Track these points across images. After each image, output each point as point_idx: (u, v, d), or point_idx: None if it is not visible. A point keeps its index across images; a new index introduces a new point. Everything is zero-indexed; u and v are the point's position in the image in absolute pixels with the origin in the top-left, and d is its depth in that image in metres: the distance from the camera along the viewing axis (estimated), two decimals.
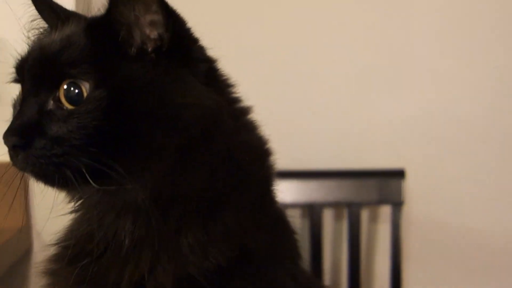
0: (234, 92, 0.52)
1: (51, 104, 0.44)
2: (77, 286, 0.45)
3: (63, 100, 0.43)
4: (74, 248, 0.48)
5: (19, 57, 0.48)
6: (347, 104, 1.15)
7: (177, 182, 0.45)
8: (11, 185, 0.86)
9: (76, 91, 0.43)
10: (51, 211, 0.89)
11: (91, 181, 0.42)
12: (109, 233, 0.45)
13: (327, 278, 1.17)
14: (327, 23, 1.13)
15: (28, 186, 0.87)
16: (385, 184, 1.09)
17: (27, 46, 0.50)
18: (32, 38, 0.53)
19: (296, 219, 0.58)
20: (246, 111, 0.52)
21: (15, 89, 0.64)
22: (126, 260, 0.44)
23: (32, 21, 0.53)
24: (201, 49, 0.50)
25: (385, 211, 1.15)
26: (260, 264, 0.47)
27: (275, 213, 0.52)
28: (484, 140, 1.17)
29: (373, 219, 1.19)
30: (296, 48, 1.12)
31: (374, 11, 1.14)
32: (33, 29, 0.53)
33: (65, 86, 0.43)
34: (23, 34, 0.53)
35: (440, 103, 1.16)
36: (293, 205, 1.06)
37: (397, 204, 1.08)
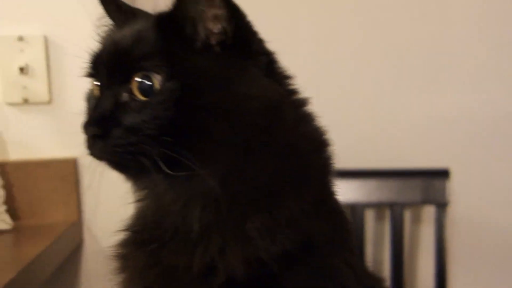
0: (292, 84, 0.53)
1: (125, 96, 0.46)
2: (148, 269, 0.48)
3: (135, 92, 0.45)
4: (142, 234, 0.50)
5: (93, 53, 0.50)
6: (390, 103, 1.13)
7: (245, 170, 0.46)
8: (64, 181, 0.93)
9: (148, 83, 0.45)
10: (101, 207, 0.95)
11: (164, 168, 0.43)
12: (177, 220, 0.47)
13: None
14: (371, 21, 1.12)
15: (80, 182, 0.94)
16: (429, 184, 1.06)
17: (98, 43, 0.53)
18: (101, 35, 0.55)
19: None
20: (303, 102, 0.53)
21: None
22: (195, 244, 0.46)
23: (100, 18, 0.56)
24: (261, 42, 0.51)
25: (429, 211, 1.12)
26: (321, 251, 0.48)
27: (333, 203, 0.53)
28: None
29: (416, 220, 1.16)
30: (337, 47, 1.12)
31: (417, 7, 1.11)
32: (101, 26, 0.55)
33: (137, 79, 0.45)
34: (93, 31, 0.56)
35: (485, 101, 1.12)
36: None
37: (442, 205, 1.05)
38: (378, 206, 1.13)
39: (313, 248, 0.47)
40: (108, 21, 0.55)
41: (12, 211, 0.89)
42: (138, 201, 0.53)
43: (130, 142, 0.44)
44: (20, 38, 0.88)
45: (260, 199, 0.47)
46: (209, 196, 0.46)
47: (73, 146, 0.92)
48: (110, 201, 0.95)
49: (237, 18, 0.47)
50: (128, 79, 0.45)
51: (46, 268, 0.78)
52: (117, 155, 0.45)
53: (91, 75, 0.51)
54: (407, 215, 1.16)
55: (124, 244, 0.53)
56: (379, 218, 1.16)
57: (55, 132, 0.93)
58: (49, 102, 0.92)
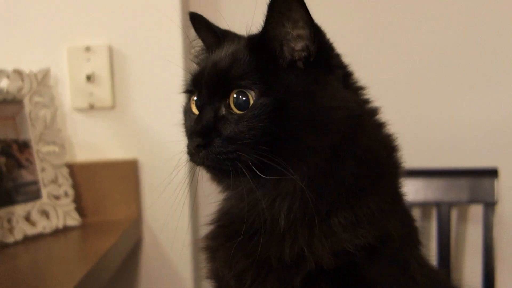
0: (366, 94, 0.58)
1: (223, 110, 0.51)
2: (237, 260, 0.53)
3: (232, 106, 0.51)
4: (228, 228, 0.56)
5: (194, 73, 0.56)
6: (439, 103, 1.13)
7: (330, 172, 0.51)
8: (126, 181, 0.99)
9: (244, 98, 0.50)
10: (159, 205, 0.99)
11: (258, 173, 0.49)
12: (264, 216, 0.52)
13: None
14: (421, 23, 1.12)
15: (140, 182, 0.99)
16: (477, 183, 1.06)
17: (193, 63, 0.61)
18: (194, 55, 0.62)
19: None
20: (376, 111, 0.58)
21: None
22: (282, 238, 0.51)
23: (192, 41, 0.62)
24: (338, 57, 0.56)
25: (476, 211, 1.12)
26: (394, 246, 0.53)
27: (402, 202, 0.58)
28: None
29: (463, 219, 1.16)
30: (388, 43, 1.13)
31: (469, 7, 1.11)
32: (193, 47, 0.62)
33: (234, 95, 0.51)
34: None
35: None
36: None
37: (490, 204, 1.05)
38: (425, 205, 1.14)
39: (390, 244, 0.52)
40: (198, 42, 0.61)
41: (79, 209, 0.96)
42: (225, 199, 0.59)
43: (229, 150, 0.50)
44: (87, 48, 0.95)
45: (343, 198, 0.51)
46: (296, 195, 0.51)
47: (134, 148, 1.00)
48: (168, 201, 1.01)
49: (319, 37, 0.52)
50: (226, 96, 0.51)
51: (113, 263, 0.84)
52: (218, 162, 0.50)
53: (190, 91, 0.57)
54: (454, 215, 1.16)
55: (211, 237, 0.58)
56: (426, 217, 1.17)
57: (118, 135, 0.99)
58: (113, 107, 0.98)
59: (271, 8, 0.50)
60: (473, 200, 1.08)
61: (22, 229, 0.83)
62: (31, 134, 0.88)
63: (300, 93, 0.51)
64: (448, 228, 1.07)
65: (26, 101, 0.89)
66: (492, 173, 1.06)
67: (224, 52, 0.54)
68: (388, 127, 0.58)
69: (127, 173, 0.99)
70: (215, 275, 0.58)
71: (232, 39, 0.57)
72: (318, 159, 0.51)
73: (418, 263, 0.56)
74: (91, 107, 0.97)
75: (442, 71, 1.12)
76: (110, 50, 0.96)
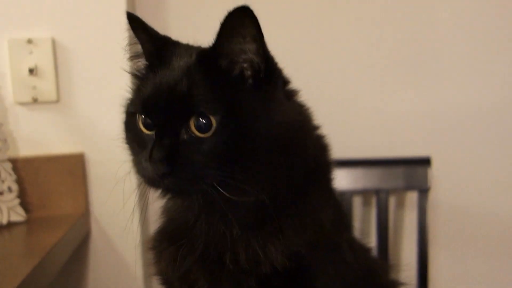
0: (299, 97, 0.60)
1: (184, 134, 0.51)
2: (183, 262, 0.56)
3: (193, 129, 0.50)
4: (173, 232, 0.59)
5: (143, 95, 0.54)
6: (376, 96, 1.19)
7: (284, 181, 0.54)
8: (72, 175, 0.99)
9: (205, 121, 0.50)
10: (107, 199, 1.00)
11: (223, 192, 0.50)
12: (216, 226, 0.55)
13: None
14: (360, 21, 1.17)
15: (87, 176, 0.99)
16: (412, 171, 1.14)
17: (135, 77, 0.59)
18: (133, 66, 0.60)
19: None
20: (311, 115, 0.61)
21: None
22: (236, 243, 0.54)
23: (129, 44, 0.60)
24: (280, 70, 0.57)
25: (412, 197, 1.20)
26: (329, 233, 0.57)
27: (334, 193, 0.63)
28: (508, 128, 1.21)
29: (401, 205, 1.24)
30: (328, 41, 1.18)
31: (405, 7, 1.18)
32: (131, 56, 0.60)
33: (194, 121, 0.50)
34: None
35: (463, 96, 1.19)
36: None
37: (424, 191, 1.13)
38: (365, 193, 1.21)
39: (323, 231, 0.56)
40: (137, 47, 0.59)
41: (24, 205, 0.95)
42: (172, 208, 0.62)
43: (195, 174, 0.50)
44: (29, 41, 0.94)
45: (292, 202, 0.55)
46: (252, 205, 0.53)
47: (79, 142, 0.99)
48: (115, 194, 1.01)
49: (265, 52, 0.53)
50: (187, 120, 0.50)
51: (61, 257, 0.84)
52: (183, 186, 0.51)
53: (140, 112, 0.54)
54: (392, 201, 1.24)
55: (157, 239, 0.61)
56: (366, 204, 1.24)
57: (63, 129, 0.98)
58: (57, 101, 0.97)
59: (224, 24, 0.50)
60: (408, 187, 1.16)
61: None
62: None
63: (257, 113, 0.52)
64: (386, 214, 1.15)
65: None
66: (425, 162, 1.14)
67: (176, 71, 0.53)
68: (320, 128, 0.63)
69: (73, 167, 0.98)
70: (161, 275, 0.61)
71: (175, 49, 0.56)
72: (276, 171, 0.53)
73: (350, 245, 0.60)
74: (35, 100, 0.96)
75: (381, 67, 1.19)
76: (54, 43, 0.95)
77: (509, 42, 1.18)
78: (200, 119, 0.50)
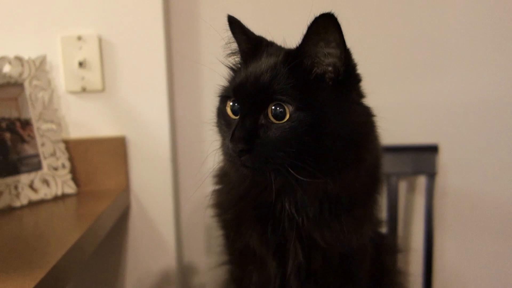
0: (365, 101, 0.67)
1: (262, 119, 0.58)
2: (273, 239, 0.63)
3: (270, 116, 0.57)
4: (255, 210, 0.65)
5: (235, 82, 0.62)
6: (388, 88, 1.27)
7: (350, 178, 0.60)
8: (115, 155, 1.12)
9: (281, 110, 0.57)
10: (145, 177, 1.12)
11: (294, 173, 0.55)
12: (297, 209, 0.61)
13: None
14: (370, 15, 1.27)
15: (127, 156, 1.12)
16: (421, 157, 1.22)
17: (229, 67, 0.68)
18: (231, 61, 0.69)
19: None
20: (376, 121, 0.66)
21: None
22: (318, 228, 0.62)
23: (227, 42, 0.68)
24: (358, 74, 0.64)
25: (422, 183, 1.29)
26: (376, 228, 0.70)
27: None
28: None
29: (411, 190, 1.33)
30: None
31: (414, 3, 1.26)
32: (229, 54, 0.69)
33: (272, 107, 0.57)
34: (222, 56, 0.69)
35: (470, 87, 1.26)
36: None
37: (431, 175, 1.22)
38: None
39: (374, 227, 0.70)
40: (233, 45, 0.68)
41: (74, 180, 1.08)
42: (244, 181, 0.66)
43: (268, 155, 0.56)
44: (79, 38, 1.07)
45: (360, 199, 0.63)
46: (325, 196, 0.61)
47: (121, 126, 1.12)
48: (152, 173, 1.14)
49: (348, 59, 0.59)
50: (266, 106, 0.58)
51: (106, 225, 0.96)
52: (258, 164, 0.57)
53: (229, 98, 0.63)
54: (403, 186, 1.33)
55: (230, 206, 0.68)
56: None
57: (107, 115, 1.11)
58: (102, 90, 1.10)
59: (311, 28, 0.55)
60: (417, 172, 1.24)
61: (27, 195, 0.96)
62: (32, 113, 1.01)
63: (331, 109, 0.57)
64: (396, 196, 1.24)
65: (26, 84, 1.00)
66: (433, 149, 1.23)
67: (263, 66, 0.60)
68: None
69: (116, 148, 1.12)
70: (246, 251, 0.66)
71: (267, 49, 0.64)
72: (344, 165, 0.59)
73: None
74: (83, 90, 1.09)
75: (392, 62, 1.26)
76: (100, 40, 1.08)
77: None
78: (277, 107, 0.57)
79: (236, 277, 0.71)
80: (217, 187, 0.71)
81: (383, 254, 0.74)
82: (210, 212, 0.72)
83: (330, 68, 0.58)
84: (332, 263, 0.63)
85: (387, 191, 1.24)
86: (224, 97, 0.64)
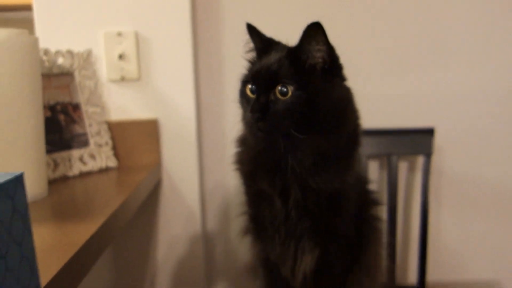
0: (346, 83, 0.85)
1: (272, 96, 0.77)
2: (279, 183, 0.81)
3: (277, 94, 0.76)
4: (266, 165, 0.83)
5: (253, 71, 0.82)
6: (390, 76, 1.41)
7: (335, 138, 0.79)
8: (149, 135, 1.30)
9: (285, 90, 0.76)
10: (175, 155, 1.30)
11: (295, 134, 0.75)
12: (297, 161, 0.79)
13: None
14: (375, 8, 1.41)
15: (160, 136, 1.30)
16: (419, 139, 1.36)
17: (248, 61, 0.87)
18: (247, 52, 0.88)
19: None
20: (353, 96, 0.84)
21: None
22: (313, 175, 0.80)
23: (246, 43, 0.88)
24: (340, 64, 0.81)
25: (421, 162, 1.44)
26: (357, 175, 0.87)
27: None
28: (504, 105, 1.41)
29: (411, 169, 1.48)
30: (351, 29, 1.43)
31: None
32: (247, 51, 0.89)
33: (279, 87, 0.76)
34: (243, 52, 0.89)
35: (464, 74, 1.39)
36: None
37: (428, 155, 1.36)
38: (379, 157, 1.46)
39: (355, 174, 0.86)
40: (250, 45, 0.88)
41: (115, 156, 1.27)
42: (258, 142, 0.84)
43: (276, 121, 0.76)
44: (119, 34, 1.25)
45: (344, 153, 0.82)
46: (317, 151, 0.79)
47: (154, 110, 1.30)
48: (181, 151, 1.32)
49: (332, 52, 0.78)
50: (274, 87, 0.77)
51: (142, 194, 1.13)
52: (269, 127, 0.77)
53: (248, 82, 0.82)
54: (404, 166, 1.47)
55: (249, 161, 0.87)
56: (381, 168, 1.48)
57: (142, 100, 1.29)
58: (138, 79, 1.28)
59: (305, 32, 0.75)
60: (415, 152, 1.39)
61: (78, 167, 1.15)
62: (81, 98, 1.19)
63: (320, 89, 0.77)
64: (396, 173, 1.38)
65: (76, 74, 1.19)
66: (430, 131, 1.36)
67: (272, 59, 0.79)
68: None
69: (149, 129, 1.30)
70: (259, 194, 0.85)
71: (275, 47, 0.83)
72: (330, 130, 0.78)
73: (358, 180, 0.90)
74: (122, 78, 1.27)
75: (394, 51, 1.40)
76: (136, 35, 1.25)
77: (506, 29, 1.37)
78: (283, 88, 0.76)
79: (253, 216, 0.90)
80: (238, 149, 0.90)
81: (369, 204, 0.91)
82: (233, 167, 0.91)
83: (320, 60, 0.77)
84: (321, 200, 0.81)
85: (388, 169, 1.38)
86: (244, 82, 0.83)
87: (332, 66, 0.79)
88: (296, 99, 0.75)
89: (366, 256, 0.89)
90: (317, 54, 0.77)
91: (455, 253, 1.52)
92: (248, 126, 0.82)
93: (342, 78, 0.82)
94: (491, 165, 1.44)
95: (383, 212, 1.44)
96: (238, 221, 1.01)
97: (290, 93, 0.76)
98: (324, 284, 0.87)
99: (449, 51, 1.40)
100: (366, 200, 0.91)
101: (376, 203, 0.95)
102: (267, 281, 0.92)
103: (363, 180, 0.95)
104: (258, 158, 0.84)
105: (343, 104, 0.80)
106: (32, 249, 0.45)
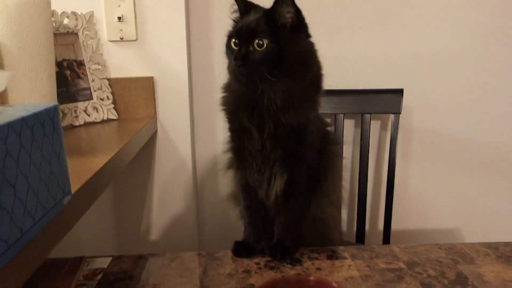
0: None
1: (251, 47, 0.93)
2: (258, 119, 0.97)
3: (255, 46, 0.92)
4: (247, 103, 0.99)
5: (236, 28, 0.97)
6: (364, 41, 1.56)
7: (300, 81, 0.95)
8: (146, 91, 1.43)
9: (261, 42, 0.92)
10: (167, 106, 1.44)
11: (269, 77, 0.91)
12: (270, 99, 0.95)
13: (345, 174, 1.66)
14: None
15: (155, 92, 1.44)
16: (389, 99, 1.51)
17: (232, 20, 1.02)
18: (231, 13, 1.02)
19: None
20: (316, 49, 1.00)
21: None
22: (283, 112, 0.96)
23: (232, 5, 1.02)
24: (306, 23, 0.98)
25: (391, 120, 1.60)
26: (318, 114, 1.05)
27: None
28: (466, 66, 1.57)
29: (383, 127, 1.64)
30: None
31: None
32: (232, 12, 1.03)
33: (256, 40, 0.92)
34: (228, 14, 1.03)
35: (429, 40, 1.54)
36: (324, 114, 1.55)
37: (396, 113, 1.51)
38: (353, 114, 1.62)
39: (317, 112, 1.04)
40: (235, 7, 1.03)
41: (115, 109, 1.41)
42: (240, 87, 1.01)
43: (254, 67, 0.93)
44: None
45: (307, 95, 0.99)
46: (286, 91, 0.96)
47: (151, 68, 1.44)
48: (174, 106, 1.47)
49: (298, 14, 0.94)
50: (253, 40, 0.93)
51: (140, 141, 1.28)
52: (249, 72, 0.93)
53: (233, 37, 0.97)
54: (377, 124, 1.63)
55: (231, 102, 1.03)
56: (356, 125, 1.64)
57: (140, 59, 1.42)
58: (136, 39, 1.40)
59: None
60: (386, 111, 1.54)
61: (83, 118, 1.29)
62: (84, 56, 1.32)
63: (289, 42, 0.93)
64: (368, 130, 1.53)
65: (80, 33, 1.32)
66: (399, 92, 1.51)
67: (251, 18, 0.95)
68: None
69: (146, 86, 1.43)
70: (241, 128, 1.01)
71: (254, 9, 0.99)
72: (296, 74, 0.94)
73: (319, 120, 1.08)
74: (121, 39, 1.40)
75: (368, 19, 1.54)
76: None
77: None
78: (259, 41, 0.92)
79: (236, 148, 1.07)
80: (224, 94, 1.06)
81: (328, 142, 1.09)
82: (220, 108, 1.07)
83: (289, 20, 0.94)
84: (289, 132, 0.98)
85: (361, 126, 1.54)
86: (229, 37, 0.99)
87: (298, 24, 0.95)
88: (270, 49, 0.92)
89: (326, 183, 1.08)
90: (287, 15, 0.93)
91: (420, 203, 1.70)
92: (232, 72, 0.98)
93: (307, 35, 1.00)
94: (453, 122, 1.61)
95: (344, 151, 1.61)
96: (223, 158, 1.16)
97: (265, 45, 0.92)
98: (291, 202, 1.05)
99: (417, 16, 1.54)
100: (326, 139, 1.09)
101: (334, 142, 1.12)
102: (246, 203, 1.10)
103: (324, 122, 1.13)
104: (240, 99, 1.01)
105: (306, 55, 0.97)
106: (65, 160, 0.60)
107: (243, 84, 0.98)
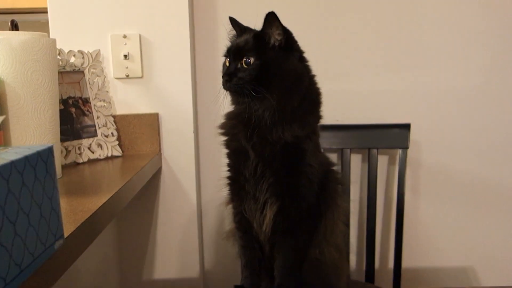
0: (309, 66, 1.04)
1: (239, 65, 0.97)
2: (252, 138, 0.99)
3: (243, 63, 0.96)
4: (242, 123, 1.00)
5: (228, 47, 1.02)
6: (373, 75, 1.55)
7: (287, 99, 0.96)
8: (151, 128, 1.43)
9: (248, 60, 0.96)
10: (173, 145, 1.43)
11: (253, 94, 0.94)
12: (259, 118, 0.97)
13: (352, 206, 1.63)
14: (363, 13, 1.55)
15: (160, 129, 1.44)
16: (396, 134, 1.49)
17: (229, 42, 1.06)
18: (230, 38, 1.08)
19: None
20: (313, 75, 1.03)
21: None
22: (270, 129, 0.97)
23: (230, 31, 1.08)
24: (298, 46, 1.01)
25: (398, 155, 1.57)
26: (314, 137, 1.04)
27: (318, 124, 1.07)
28: (474, 105, 1.55)
29: (391, 162, 1.61)
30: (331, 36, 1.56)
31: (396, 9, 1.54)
32: (230, 35, 1.09)
33: (244, 59, 0.96)
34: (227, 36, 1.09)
35: (437, 77, 1.54)
36: (330, 149, 1.54)
37: (404, 148, 1.49)
38: (361, 149, 1.59)
39: (312, 134, 1.02)
40: (233, 32, 1.08)
41: (120, 146, 1.41)
42: (234, 108, 1.04)
43: (240, 83, 0.96)
44: (124, 36, 1.39)
45: (297, 114, 0.99)
46: (272, 108, 0.96)
47: (156, 105, 1.45)
48: (179, 143, 1.46)
49: (287, 35, 0.98)
50: (241, 58, 0.97)
51: (143, 178, 1.27)
52: (235, 88, 0.97)
53: (226, 56, 1.02)
54: (385, 158, 1.61)
55: (230, 126, 1.04)
56: (362, 158, 1.62)
57: (145, 96, 1.43)
58: (142, 77, 1.42)
59: (265, 20, 0.95)
60: (393, 146, 1.52)
61: (86, 155, 1.29)
62: (90, 93, 1.33)
63: (275, 61, 0.97)
64: (376, 165, 1.51)
65: (86, 71, 1.33)
66: (406, 127, 1.49)
67: (242, 39, 1.01)
68: (317, 81, 1.05)
69: (151, 122, 1.44)
70: (237, 149, 1.02)
71: (247, 32, 1.03)
72: (281, 92, 0.96)
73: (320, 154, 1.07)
74: (127, 76, 1.41)
75: (376, 57, 1.54)
76: (140, 37, 1.39)
77: (480, 37, 1.51)
78: (246, 59, 0.96)
79: (232, 176, 1.07)
80: (223, 120, 1.08)
81: (332, 181, 1.08)
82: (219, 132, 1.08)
83: (278, 40, 0.97)
84: (279, 152, 0.98)
85: (368, 161, 1.52)
86: (224, 56, 1.04)
87: (287, 45, 0.98)
88: (256, 66, 0.96)
89: (325, 222, 1.04)
90: (277, 37, 0.97)
91: (431, 240, 1.65)
92: (224, 86, 1.00)
93: (300, 57, 1.01)
94: (462, 157, 1.58)
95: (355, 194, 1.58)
96: (224, 193, 1.14)
97: (252, 63, 0.96)
98: (287, 240, 1.02)
99: (425, 53, 1.54)
100: (329, 177, 1.07)
101: (338, 181, 1.09)
102: (241, 242, 1.08)
103: (328, 162, 1.11)
104: (237, 118, 1.03)
105: (292, 74, 0.98)
106: (58, 203, 0.59)
107: (240, 103, 1.00)
